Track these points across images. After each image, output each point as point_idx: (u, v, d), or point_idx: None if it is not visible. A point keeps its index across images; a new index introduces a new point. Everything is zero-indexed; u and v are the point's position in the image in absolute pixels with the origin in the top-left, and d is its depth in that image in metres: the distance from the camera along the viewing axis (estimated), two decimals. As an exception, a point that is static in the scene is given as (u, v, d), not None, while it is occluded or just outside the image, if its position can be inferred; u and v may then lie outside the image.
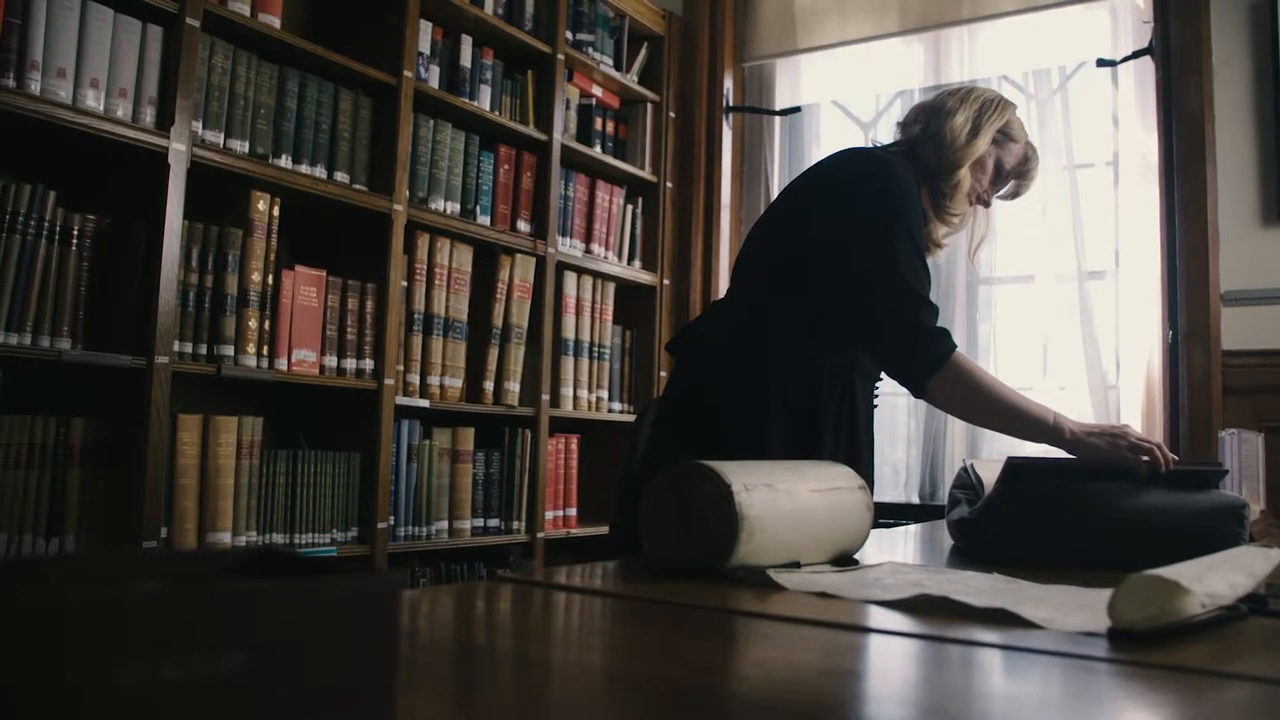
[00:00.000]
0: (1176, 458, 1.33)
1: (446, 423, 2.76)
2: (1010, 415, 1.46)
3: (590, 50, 3.25)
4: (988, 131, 1.63)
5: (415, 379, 2.66)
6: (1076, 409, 3.07)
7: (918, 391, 1.49)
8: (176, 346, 2.09)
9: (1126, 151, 3.03)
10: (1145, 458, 1.31)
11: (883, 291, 1.48)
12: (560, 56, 3.10)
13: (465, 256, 2.81)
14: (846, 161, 1.63)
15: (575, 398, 3.15)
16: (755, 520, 0.98)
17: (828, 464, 1.22)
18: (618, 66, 3.40)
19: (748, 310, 1.60)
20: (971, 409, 1.53)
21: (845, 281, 1.51)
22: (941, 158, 1.63)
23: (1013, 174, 1.70)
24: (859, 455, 1.60)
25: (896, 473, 3.38)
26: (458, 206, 2.80)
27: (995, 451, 3.11)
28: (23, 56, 1.89)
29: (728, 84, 3.64)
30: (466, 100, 2.81)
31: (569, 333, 3.14)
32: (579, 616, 0.84)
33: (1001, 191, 1.74)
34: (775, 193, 3.72)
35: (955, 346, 1.47)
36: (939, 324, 1.50)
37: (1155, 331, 2.87)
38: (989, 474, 1.39)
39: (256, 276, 2.26)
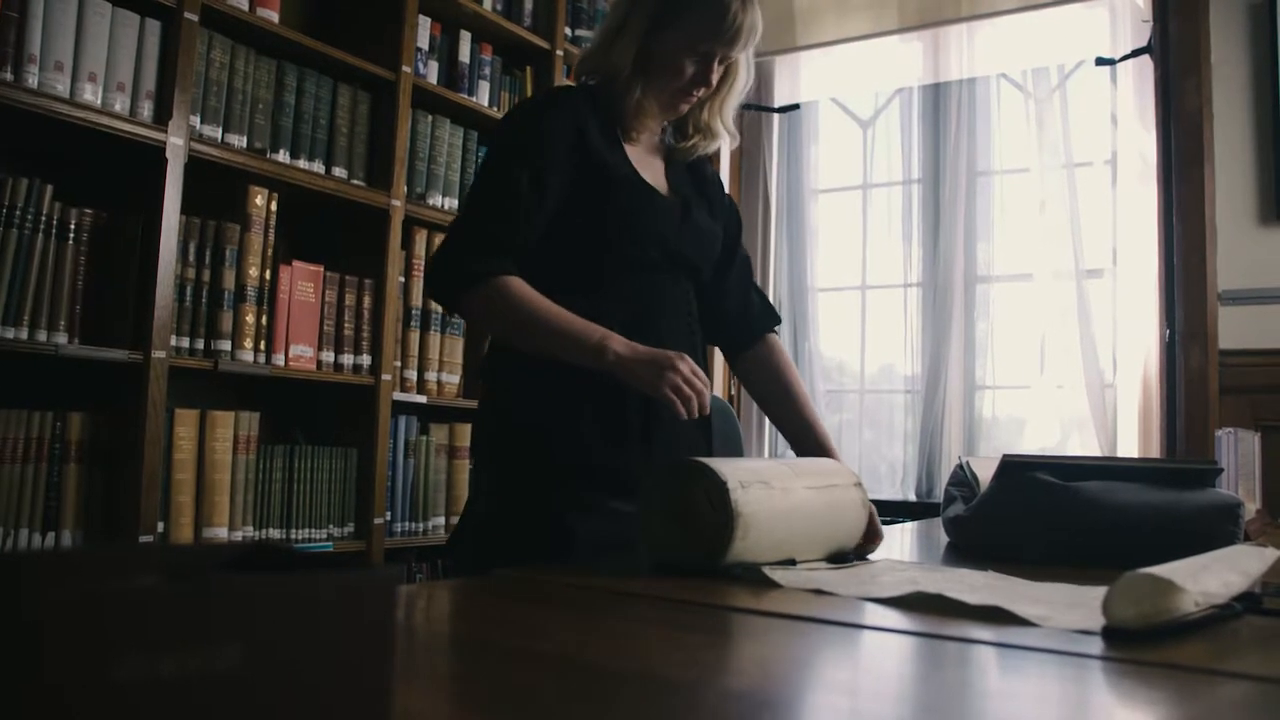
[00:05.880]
0: (708, 411, 1.25)
1: (443, 418, 2.76)
2: (551, 331, 1.31)
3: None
4: (631, 31, 1.43)
5: (412, 375, 2.66)
6: (1073, 407, 3.08)
7: (451, 306, 1.38)
8: (173, 341, 2.09)
9: (1125, 150, 3.03)
10: (681, 397, 1.22)
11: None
12: (559, 52, 3.09)
13: (463, 252, 2.80)
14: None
15: (573, 394, 3.15)
16: (751, 517, 0.98)
17: (824, 461, 1.22)
18: (616, 63, 3.39)
19: None
20: (505, 324, 1.38)
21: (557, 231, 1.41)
22: (608, 89, 1.47)
23: (693, 30, 1.41)
24: (659, 412, 1.38)
25: (893, 470, 3.39)
26: (455, 202, 2.79)
27: (992, 450, 3.12)
28: (20, 50, 1.88)
29: (726, 81, 3.63)
30: (465, 96, 2.81)
31: (567, 329, 3.13)
32: (575, 612, 0.84)
33: (718, 52, 1.43)
34: (774, 190, 3.72)
35: (509, 271, 1.34)
36: (505, 260, 1.35)
37: (1152, 330, 2.87)
38: (985, 471, 1.39)
39: (254, 271, 2.25)
